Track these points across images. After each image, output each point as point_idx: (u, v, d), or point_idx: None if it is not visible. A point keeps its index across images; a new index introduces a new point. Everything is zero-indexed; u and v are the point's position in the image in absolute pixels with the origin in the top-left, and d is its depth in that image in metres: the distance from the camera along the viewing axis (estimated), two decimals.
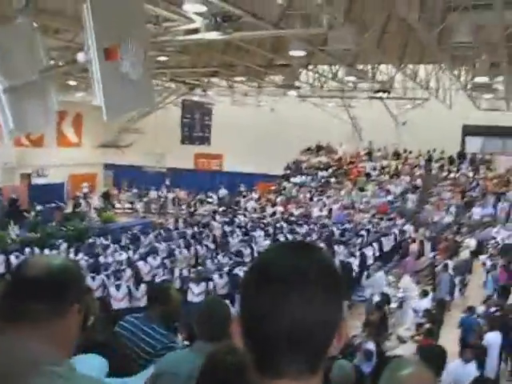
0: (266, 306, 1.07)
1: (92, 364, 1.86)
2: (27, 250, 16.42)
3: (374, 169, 30.11)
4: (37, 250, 16.47)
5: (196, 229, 21.58)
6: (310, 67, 19.62)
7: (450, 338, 10.53)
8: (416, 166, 29.38)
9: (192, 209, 29.98)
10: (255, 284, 1.11)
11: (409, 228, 22.54)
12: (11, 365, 1.36)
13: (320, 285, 1.08)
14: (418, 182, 28.07)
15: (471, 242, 19.72)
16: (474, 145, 29.62)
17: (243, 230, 21.55)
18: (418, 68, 20.75)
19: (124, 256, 15.94)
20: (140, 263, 14.93)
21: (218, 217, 25.40)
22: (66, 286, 1.49)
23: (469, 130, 29.00)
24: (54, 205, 25.36)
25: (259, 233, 20.57)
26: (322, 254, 1.17)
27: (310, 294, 1.07)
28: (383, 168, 29.86)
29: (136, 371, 2.53)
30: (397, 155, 30.44)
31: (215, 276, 13.93)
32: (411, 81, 21.97)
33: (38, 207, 24.44)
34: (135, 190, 34.30)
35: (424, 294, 13.36)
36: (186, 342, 7.48)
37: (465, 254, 18.22)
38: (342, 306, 1.16)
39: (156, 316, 3.84)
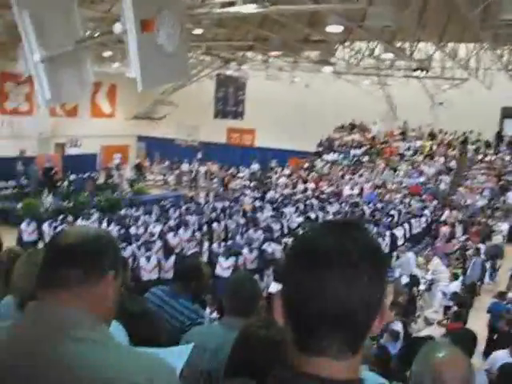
0: (309, 287, 1.07)
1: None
2: (60, 218, 16.64)
3: (408, 149, 29.74)
4: (69, 219, 16.68)
5: (227, 203, 21.65)
6: (347, 43, 19.30)
7: (478, 323, 10.43)
8: (451, 148, 28.92)
9: (224, 183, 30.07)
10: (298, 264, 1.11)
11: (440, 210, 22.31)
12: (46, 331, 1.39)
13: (364, 265, 1.07)
14: (453, 163, 27.65)
15: (504, 227, 19.44)
16: None
17: (274, 205, 21.56)
18: (458, 47, 20.23)
19: (157, 228, 16.05)
20: (169, 235, 15.03)
21: (248, 192, 25.43)
22: (101, 253, 1.51)
23: (508, 113, 28.25)
24: (86, 175, 25.63)
25: (290, 209, 20.56)
26: (366, 233, 1.15)
27: (353, 274, 1.06)
28: (417, 148, 29.47)
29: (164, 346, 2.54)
30: (432, 136, 29.97)
31: (245, 251, 13.98)
32: (450, 60, 21.48)
33: (72, 177, 24.76)
34: (167, 163, 34.52)
35: (454, 277, 13.25)
36: (215, 315, 7.56)
37: (497, 239, 17.99)
38: (385, 286, 1.14)
39: (185, 290, 3.85)
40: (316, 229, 1.17)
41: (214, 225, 17.36)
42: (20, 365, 1.35)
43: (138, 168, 32.68)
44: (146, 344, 2.19)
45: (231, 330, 2.50)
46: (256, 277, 3.93)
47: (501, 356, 7.63)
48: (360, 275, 1.06)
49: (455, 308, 10.33)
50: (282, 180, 28.70)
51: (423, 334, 9.44)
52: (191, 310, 3.73)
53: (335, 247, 1.07)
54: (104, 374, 1.33)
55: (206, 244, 14.97)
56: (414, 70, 22.09)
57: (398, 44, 18.95)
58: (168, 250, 13.87)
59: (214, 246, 14.73)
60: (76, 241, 1.50)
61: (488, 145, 28.17)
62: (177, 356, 2.06)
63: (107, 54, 23.50)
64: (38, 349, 1.37)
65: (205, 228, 16.76)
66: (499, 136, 28.45)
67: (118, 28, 6.88)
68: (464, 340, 4.47)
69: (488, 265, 15.42)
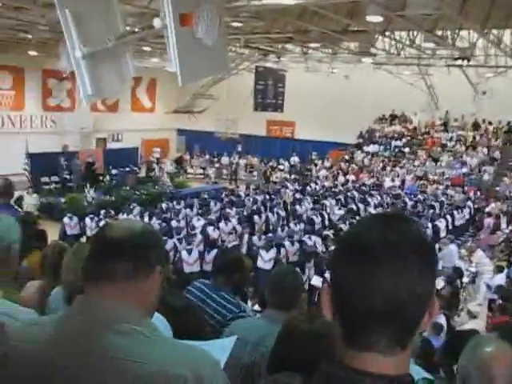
0: (355, 281, 1.06)
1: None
2: (102, 212, 16.90)
3: (450, 139, 29.25)
4: (112, 213, 16.92)
5: (267, 196, 21.66)
6: (387, 33, 19.01)
7: None
8: (495, 138, 28.31)
9: (266, 176, 30.09)
10: (344, 258, 1.09)
11: (484, 201, 21.89)
12: (91, 324, 1.41)
13: (412, 259, 1.05)
14: (496, 154, 27.07)
15: None
16: None
17: (314, 197, 21.50)
18: (502, 33, 19.70)
19: (199, 221, 16.14)
20: (210, 228, 15.12)
21: (289, 184, 25.41)
22: (149, 247, 1.52)
23: None
24: (128, 169, 25.95)
25: (330, 201, 20.46)
26: (414, 226, 1.12)
27: (401, 268, 1.04)
28: (460, 139, 28.95)
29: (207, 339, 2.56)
30: (475, 126, 29.39)
31: (286, 243, 13.97)
32: (494, 47, 20.96)
33: (113, 171, 25.10)
34: (207, 156, 34.72)
35: (499, 269, 12.98)
36: (257, 308, 7.57)
37: None
38: (434, 280, 1.12)
39: (227, 283, 3.86)
40: (362, 223, 1.16)
41: (255, 217, 17.39)
42: (67, 359, 1.37)
43: (179, 161, 32.97)
44: (189, 338, 2.20)
45: (273, 323, 2.50)
46: (297, 270, 3.92)
47: None
48: (409, 268, 1.04)
49: (500, 301, 10.13)
50: (323, 172, 28.59)
51: (467, 327, 9.29)
52: (233, 303, 3.73)
53: (381, 240, 1.05)
54: (148, 366, 1.34)
55: (245, 237, 15.00)
56: (456, 59, 21.67)
57: (440, 32, 18.58)
58: (210, 243, 13.97)
59: (254, 238, 14.76)
60: (124, 235, 1.50)
61: None
62: (220, 348, 2.07)
63: (147, 48, 23.71)
64: (83, 342, 1.39)
65: (246, 221, 16.78)
66: None
67: (157, 23, 6.94)
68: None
69: None
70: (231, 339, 2.33)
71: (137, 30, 8.35)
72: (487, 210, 20.89)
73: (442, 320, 9.00)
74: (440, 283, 12.26)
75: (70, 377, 1.36)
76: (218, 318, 3.61)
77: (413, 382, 1.10)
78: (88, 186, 22.24)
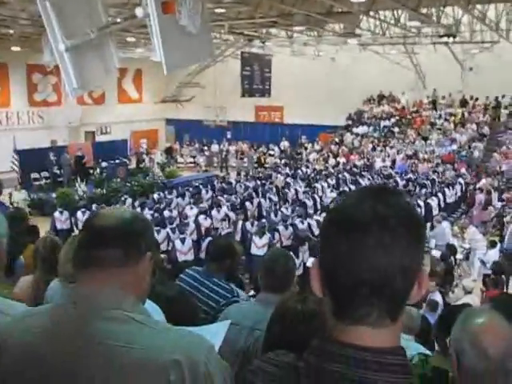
0: (344, 254, 1.05)
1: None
2: (94, 206, 16.83)
3: (439, 117, 29.28)
4: (103, 206, 16.85)
5: (258, 181, 21.65)
6: (371, 13, 18.95)
7: None
8: (483, 113, 28.37)
9: (260, 161, 30.04)
10: (334, 231, 1.09)
11: (475, 178, 21.98)
12: (83, 311, 1.41)
13: (400, 231, 1.05)
14: (485, 129, 27.13)
15: None
16: None
17: (306, 181, 21.51)
18: (487, 8, 19.66)
19: (194, 210, 16.10)
20: (201, 217, 15.10)
21: (280, 169, 25.39)
22: (139, 234, 1.52)
23: None
24: (118, 161, 25.85)
25: (322, 184, 20.48)
26: (403, 199, 1.12)
27: (389, 240, 1.04)
28: (449, 116, 28.98)
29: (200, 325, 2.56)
30: (463, 103, 29.44)
31: (281, 227, 13.98)
32: (479, 23, 20.92)
33: (103, 164, 24.98)
34: (197, 145, 34.67)
35: (492, 244, 13.05)
36: (253, 294, 7.58)
37: None
38: (423, 253, 1.12)
39: (219, 270, 3.88)
40: (351, 196, 1.15)
41: (247, 204, 17.37)
42: (57, 348, 1.38)
43: (168, 151, 32.89)
44: (183, 326, 2.21)
45: (267, 307, 2.50)
46: (291, 253, 3.92)
47: None
48: (397, 241, 1.04)
49: (493, 276, 10.21)
50: (313, 155, 28.56)
51: (462, 302, 9.36)
52: (226, 289, 3.75)
53: (370, 213, 1.05)
54: (141, 352, 1.34)
55: (239, 223, 15.00)
56: (442, 36, 21.66)
57: (424, 10, 18.54)
58: (204, 231, 13.96)
59: (247, 224, 14.76)
60: (112, 222, 1.51)
61: None
62: (214, 333, 2.07)
63: (131, 39, 23.56)
64: (73, 330, 1.39)
65: (238, 207, 16.76)
66: None
67: (139, 12, 6.89)
68: (507, 305, 4.38)
69: None
70: (225, 323, 2.33)
71: (119, 20, 8.30)
72: (478, 185, 20.97)
73: (438, 297, 9.06)
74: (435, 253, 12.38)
75: (59, 364, 1.36)
76: (212, 304, 3.63)
77: (404, 355, 1.10)
78: (78, 179, 22.15)
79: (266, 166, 28.98)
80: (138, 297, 1.50)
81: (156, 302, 2.35)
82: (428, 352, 3.38)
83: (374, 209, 1.06)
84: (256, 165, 29.69)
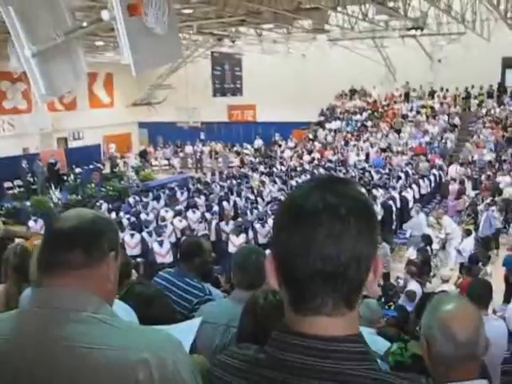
0: (296, 243, 1.06)
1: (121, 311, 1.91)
2: None
3: (411, 109, 29.54)
4: None
5: (234, 181, 21.65)
6: (339, 9, 19.03)
7: (496, 277, 10.43)
8: (454, 104, 28.68)
9: (240, 160, 29.91)
10: (285, 220, 1.10)
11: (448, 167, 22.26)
12: (48, 314, 1.40)
13: (351, 220, 1.06)
14: (456, 120, 27.44)
15: (505, 179, 19.26)
16: None
17: (282, 179, 21.56)
18: (452, 1, 19.88)
19: (170, 213, 16.03)
20: (175, 220, 15.07)
21: (255, 167, 25.42)
22: (100, 234, 1.51)
23: (509, 63, 27.79)
24: (91, 166, 25.67)
25: (297, 180, 20.53)
26: (353, 188, 1.13)
27: (340, 230, 1.05)
28: (421, 108, 29.23)
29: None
30: (433, 94, 29.73)
31: (257, 225, 13.99)
32: (446, 15, 21.12)
33: (77, 170, 24.79)
34: (171, 147, 34.58)
35: (467, 233, 13.21)
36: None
37: (508, 192, 17.87)
38: (376, 241, 1.13)
39: (190, 268, 3.89)
40: (301, 187, 1.15)
41: (224, 203, 17.36)
42: (25, 353, 1.36)
43: (143, 155, 32.72)
44: (164, 323, 2.21)
45: (241, 304, 2.51)
46: (268, 251, 3.93)
47: None
48: (348, 230, 1.05)
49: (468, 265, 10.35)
50: (287, 153, 28.62)
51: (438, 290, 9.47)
52: (198, 288, 3.77)
53: (320, 203, 1.06)
54: (108, 352, 1.33)
55: (213, 223, 15.00)
56: (410, 29, 21.85)
57: (391, 4, 18.69)
58: (180, 233, 13.93)
59: (222, 224, 14.76)
60: (73, 224, 1.50)
61: (490, 95, 27.85)
62: (185, 331, 2.07)
63: (100, 43, 23.39)
64: (39, 334, 1.37)
65: (215, 208, 16.74)
66: (501, 87, 28.11)
67: (105, 15, 6.83)
68: (479, 289, 4.45)
69: (501, 218, 15.41)
70: (195, 321, 2.33)
71: (85, 24, 8.22)
72: (450, 175, 21.22)
73: (415, 287, 9.15)
74: (411, 252, 12.48)
75: (27, 370, 1.35)
76: (184, 303, 3.64)
77: (365, 342, 1.11)
78: (52, 186, 21.95)
79: (238, 165, 28.87)
80: (104, 297, 1.48)
81: (136, 301, 2.35)
82: (397, 344, 3.42)
83: (324, 198, 1.06)
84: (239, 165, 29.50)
